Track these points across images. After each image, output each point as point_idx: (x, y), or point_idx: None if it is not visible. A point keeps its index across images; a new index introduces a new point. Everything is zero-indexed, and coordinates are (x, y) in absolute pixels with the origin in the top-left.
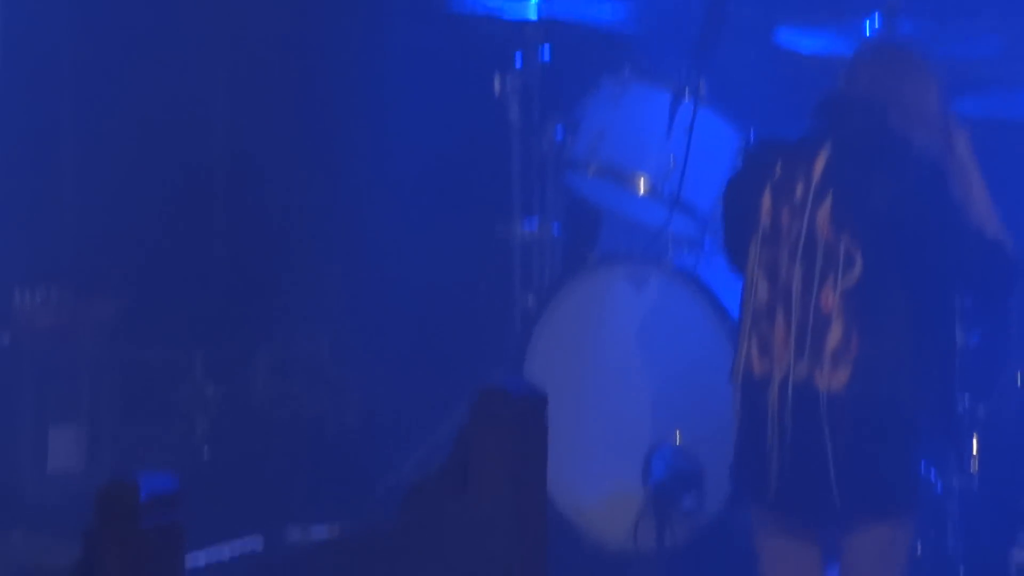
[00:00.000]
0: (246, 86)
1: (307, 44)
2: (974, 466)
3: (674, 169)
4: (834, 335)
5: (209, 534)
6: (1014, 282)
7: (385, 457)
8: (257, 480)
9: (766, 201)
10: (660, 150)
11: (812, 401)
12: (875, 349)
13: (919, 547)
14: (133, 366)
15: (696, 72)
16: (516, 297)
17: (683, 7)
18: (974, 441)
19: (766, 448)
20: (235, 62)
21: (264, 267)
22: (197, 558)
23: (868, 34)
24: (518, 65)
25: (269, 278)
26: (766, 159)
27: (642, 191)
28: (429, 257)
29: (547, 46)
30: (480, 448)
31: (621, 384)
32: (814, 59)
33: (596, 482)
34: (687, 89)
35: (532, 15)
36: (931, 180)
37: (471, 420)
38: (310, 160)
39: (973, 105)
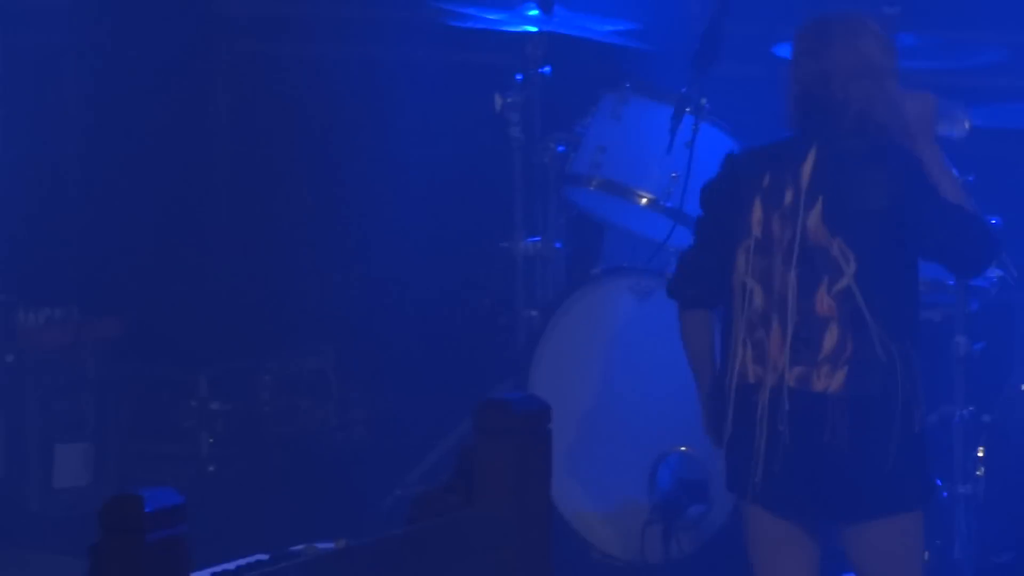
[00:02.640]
0: (247, 114)
1: (312, 63)
2: (980, 473)
3: (675, 184)
4: (830, 338)
5: (214, 551)
6: (995, 245)
7: (391, 471)
8: (262, 496)
9: (756, 211)
10: (661, 165)
11: (810, 404)
12: (871, 348)
13: (926, 555)
14: (138, 383)
15: (697, 87)
16: (520, 312)
17: (684, 22)
18: (979, 449)
19: (763, 452)
20: (235, 83)
21: (268, 283)
22: (202, 574)
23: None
24: (519, 80)
25: (273, 294)
26: (753, 169)
27: (644, 205)
28: (433, 273)
29: (548, 61)
30: (483, 460)
31: (626, 395)
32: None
33: (602, 493)
34: (688, 104)
35: (533, 30)
36: (910, 170)
37: (474, 433)
38: (314, 179)
39: (976, 115)
